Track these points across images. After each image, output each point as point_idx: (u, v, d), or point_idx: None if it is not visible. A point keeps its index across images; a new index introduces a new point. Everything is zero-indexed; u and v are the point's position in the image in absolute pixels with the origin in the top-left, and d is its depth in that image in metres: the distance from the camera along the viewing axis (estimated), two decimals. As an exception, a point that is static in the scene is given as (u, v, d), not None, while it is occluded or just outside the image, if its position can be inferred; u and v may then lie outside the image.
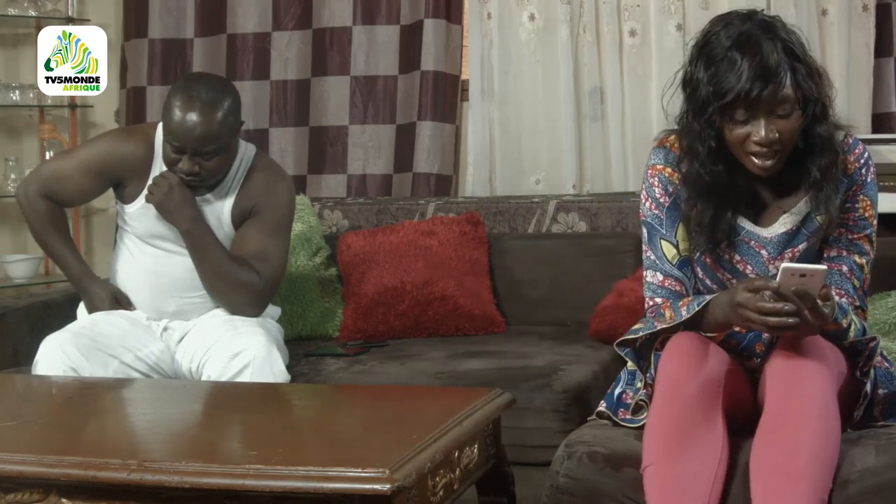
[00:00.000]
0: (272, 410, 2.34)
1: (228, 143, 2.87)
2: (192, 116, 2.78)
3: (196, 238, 2.89)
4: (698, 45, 2.15)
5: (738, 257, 2.26)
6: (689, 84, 2.17)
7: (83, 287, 3.01)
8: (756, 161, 2.13)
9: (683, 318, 2.18)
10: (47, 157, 4.40)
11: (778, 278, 1.98)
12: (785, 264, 1.99)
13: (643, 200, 2.31)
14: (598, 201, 3.65)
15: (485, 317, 3.42)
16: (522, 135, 4.08)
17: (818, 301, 2.00)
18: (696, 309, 2.16)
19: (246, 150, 3.00)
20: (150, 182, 2.91)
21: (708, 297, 2.17)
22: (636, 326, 2.37)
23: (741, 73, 2.05)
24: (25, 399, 2.50)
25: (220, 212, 2.96)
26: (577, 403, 2.76)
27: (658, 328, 2.24)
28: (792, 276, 1.97)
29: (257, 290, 2.92)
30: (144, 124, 3.16)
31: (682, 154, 2.24)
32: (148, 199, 2.89)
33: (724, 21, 2.14)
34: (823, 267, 1.99)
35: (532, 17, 4.03)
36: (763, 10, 2.18)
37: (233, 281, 2.91)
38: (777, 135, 2.09)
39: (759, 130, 2.09)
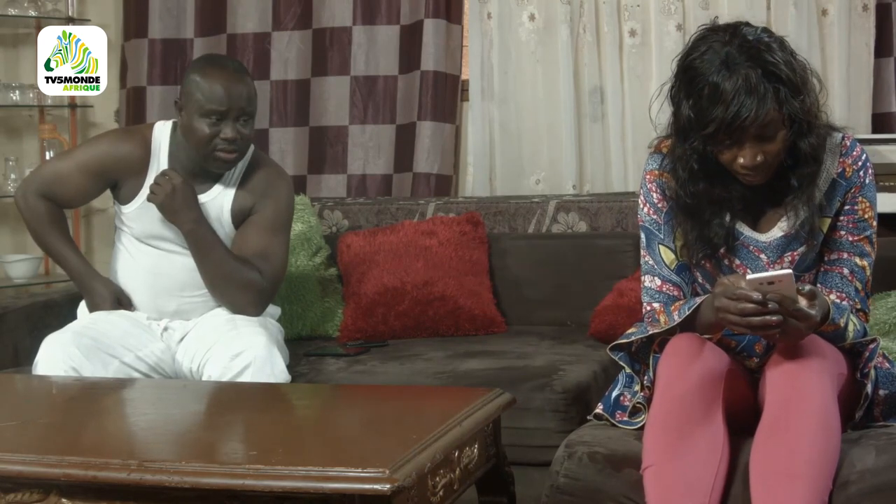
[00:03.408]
0: (272, 410, 2.34)
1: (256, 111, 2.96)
2: (236, 79, 2.86)
3: (199, 238, 2.89)
4: (682, 65, 2.14)
5: (737, 261, 2.26)
6: (673, 101, 2.17)
7: (85, 285, 3.01)
8: (746, 178, 2.14)
9: (676, 323, 2.18)
10: (47, 157, 4.40)
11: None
12: (749, 276, 1.99)
13: (641, 205, 2.32)
14: (598, 201, 3.65)
15: (485, 317, 3.42)
16: (522, 135, 4.08)
17: (801, 301, 2.00)
18: (687, 313, 2.17)
19: None
20: (150, 182, 2.92)
21: (698, 300, 2.17)
22: (630, 331, 2.37)
23: (722, 103, 2.04)
24: (25, 399, 2.50)
25: (220, 208, 2.97)
26: (577, 403, 2.76)
27: (650, 332, 2.24)
28: (760, 286, 1.97)
29: (259, 290, 2.93)
30: (142, 125, 3.18)
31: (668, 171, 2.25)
32: (150, 199, 2.89)
33: (707, 42, 2.10)
34: (788, 270, 2.00)
35: (532, 17, 4.03)
36: (747, 23, 2.14)
37: (236, 280, 2.91)
38: (763, 157, 2.09)
39: (745, 155, 2.09)
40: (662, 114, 2.23)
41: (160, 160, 2.96)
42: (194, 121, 2.85)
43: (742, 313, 1.99)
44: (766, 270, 2.22)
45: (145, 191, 2.94)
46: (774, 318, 1.98)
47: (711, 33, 2.12)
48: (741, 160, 2.10)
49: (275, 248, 2.97)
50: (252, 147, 3.04)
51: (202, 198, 2.95)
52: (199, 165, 2.94)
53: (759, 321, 1.99)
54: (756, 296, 1.98)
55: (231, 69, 2.90)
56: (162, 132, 2.98)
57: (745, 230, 2.25)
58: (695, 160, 2.17)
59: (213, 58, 3.10)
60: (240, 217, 2.98)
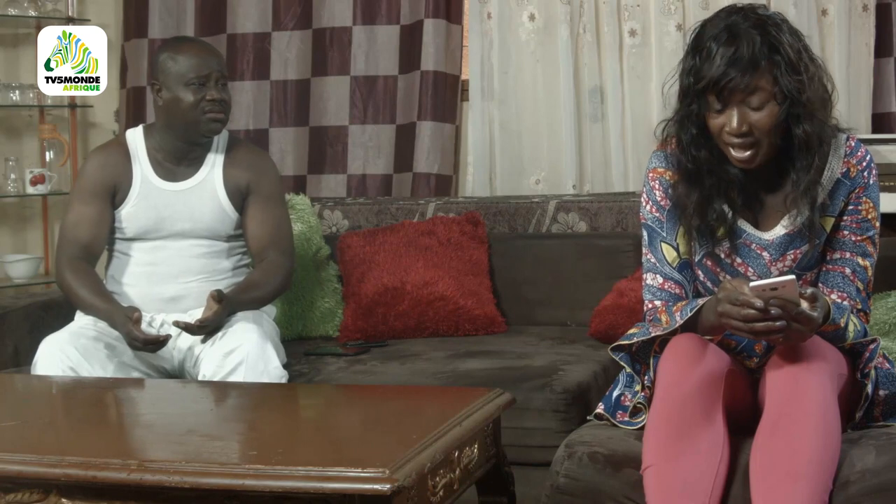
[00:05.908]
0: (272, 410, 2.34)
1: None
2: (206, 48, 3.05)
3: (248, 304, 2.97)
4: (690, 36, 2.19)
5: (739, 260, 2.26)
6: (680, 66, 2.21)
7: (111, 323, 2.91)
8: (733, 152, 2.15)
9: (678, 324, 2.18)
10: (47, 157, 4.42)
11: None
12: (752, 283, 2.00)
13: (644, 203, 2.32)
14: (598, 201, 3.65)
15: (485, 317, 3.42)
16: (522, 135, 4.08)
17: (803, 304, 2.00)
18: (689, 314, 2.17)
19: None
20: (137, 183, 3.01)
21: (701, 302, 2.17)
22: (631, 331, 2.38)
23: (715, 61, 2.09)
24: (25, 399, 2.50)
25: (213, 188, 3.04)
26: (577, 403, 2.75)
27: (653, 335, 2.24)
28: (763, 292, 1.98)
29: (290, 272, 3.10)
30: (113, 138, 3.34)
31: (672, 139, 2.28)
32: (200, 331, 2.85)
33: (717, 14, 2.17)
34: (791, 276, 1.99)
35: (532, 17, 4.03)
36: (764, 5, 2.18)
37: (278, 291, 3.07)
38: (748, 126, 2.11)
39: (732, 120, 2.11)
40: (665, 105, 2.27)
41: (141, 162, 3.05)
42: (179, 93, 2.96)
43: (745, 319, 2.00)
44: (769, 267, 2.24)
45: (134, 191, 3.02)
46: (777, 324, 1.98)
47: (724, 9, 2.18)
48: (727, 126, 2.12)
49: (283, 217, 3.13)
50: (227, 132, 3.15)
51: (191, 181, 3.04)
52: (178, 152, 3.03)
53: (763, 327, 1.99)
54: (759, 303, 1.98)
55: (198, 41, 3.18)
56: (135, 136, 3.09)
57: (747, 227, 2.26)
58: (693, 124, 2.19)
59: (181, 37, 3.44)
60: (236, 195, 3.06)
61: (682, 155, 2.24)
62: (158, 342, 2.83)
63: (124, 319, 2.83)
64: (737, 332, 2.06)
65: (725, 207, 2.23)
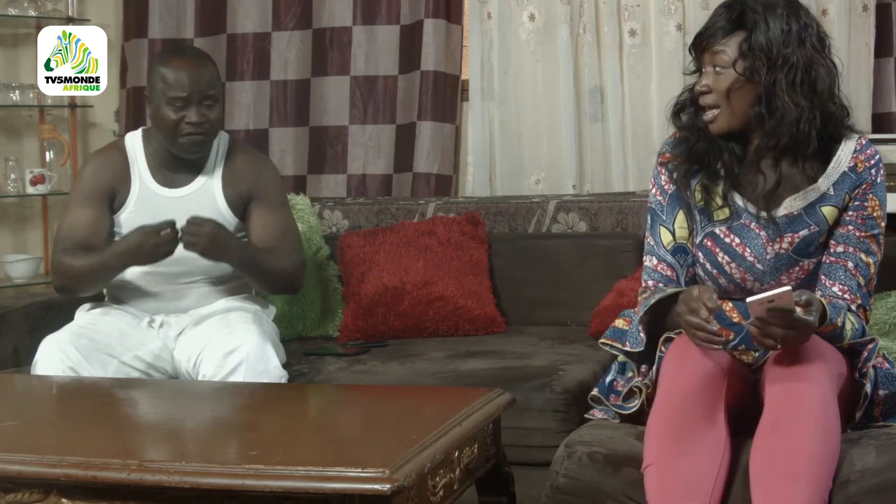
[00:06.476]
0: (272, 410, 2.34)
1: (222, 95, 3.02)
2: (195, 65, 2.93)
3: (248, 263, 2.94)
4: None
5: (737, 240, 2.30)
6: None
7: (130, 257, 2.88)
8: (704, 112, 2.26)
9: (646, 309, 2.26)
10: (47, 157, 4.42)
11: (750, 315, 2.04)
12: (749, 299, 2.03)
13: (651, 187, 2.40)
14: (598, 201, 3.66)
15: (485, 317, 3.42)
16: (522, 135, 4.08)
17: (798, 311, 2.01)
18: (651, 302, 2.24)
19: (220, 134, 3.08)
20: (135, 188, 2.98)
21: (668, 291, 2.25)
22: (618, 322, 2.43)
23: (706, 22, 2.26)
24: (25, 399, 2.51)
25: (211, 197, 3.01)
26: (577, 403, 2.75)
27: (635, 351, 2.29)
28: (760, 306, 2.00)
29: (301, 267, 3.06)
30: (112, 141, 3.30)
31: None
32: (190, 249, 2.83)
33: None
34: (786, 287, 2.02)
35: (532, 17, 4.03)
36: None
37: (289, 275, 3.01)
38: (707, 86, 2.23)
39: (700, 77, 2.26)
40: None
41: (139, 167, 3.03)
42: (161, 109, 2.92)
43: (688, 325, 2.07)
44: (765, 248, 2.28)
45: (133, 197, 3.00)
46: (718, 339, 2.04)
47: None
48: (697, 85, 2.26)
49: (289, 220, 3.10)
50: (229, 136, 3.12)
51: (189, 188, 3.01)
52: (176, 159, 3.00)
53: (704, 337, 2.05)
54: (704, 314, 2.04)
55: (190, 56, 3.01)
56: (134, 141, 3.07)
57: (749, 207, 2.28)
58: (691, 88, 2.31)
59: (174, 47, 3.35)
60: (237, 201, 3.03)
61: (682, 116, 2.33)
62: (170, 227, 2.80)
63: (129, 237, 2.83)
64: (687, 334, 2.11)
65: (719, 166, 2.28)
